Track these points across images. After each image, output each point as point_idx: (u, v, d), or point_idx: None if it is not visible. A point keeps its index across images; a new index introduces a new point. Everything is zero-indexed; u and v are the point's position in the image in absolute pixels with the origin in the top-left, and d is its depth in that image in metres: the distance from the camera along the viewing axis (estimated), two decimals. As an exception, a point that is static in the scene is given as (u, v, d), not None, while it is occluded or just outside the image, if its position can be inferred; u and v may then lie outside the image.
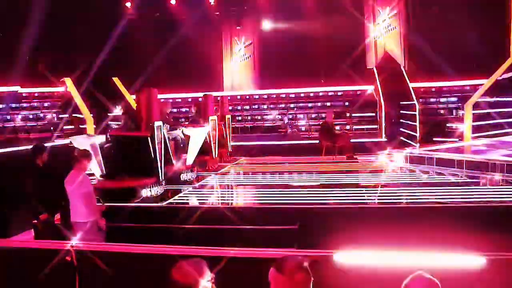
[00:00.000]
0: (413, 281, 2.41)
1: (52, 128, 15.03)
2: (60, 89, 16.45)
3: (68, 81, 15.15)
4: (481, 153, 9.31)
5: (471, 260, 3.81)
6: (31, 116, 16.50)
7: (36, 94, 17.33)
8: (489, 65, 13.67)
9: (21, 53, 15.07)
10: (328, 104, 18.15)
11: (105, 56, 16.52)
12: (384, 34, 18.26)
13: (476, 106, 12.59)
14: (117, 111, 9.22)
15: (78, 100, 14.13)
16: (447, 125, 14.28)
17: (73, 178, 5.70)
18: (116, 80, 17.67)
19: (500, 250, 3.97)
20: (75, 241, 4.66)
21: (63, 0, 16.08)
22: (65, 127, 14.87)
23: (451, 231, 5.57)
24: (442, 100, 16.60)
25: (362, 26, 18.59)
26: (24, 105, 16.99)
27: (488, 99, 13.26)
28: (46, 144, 7.70)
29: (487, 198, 6.89)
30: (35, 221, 6.40)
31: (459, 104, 15.24)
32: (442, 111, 16.03)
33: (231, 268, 3.66)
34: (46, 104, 16.91)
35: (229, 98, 17.16)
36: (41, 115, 16.50)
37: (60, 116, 15.71)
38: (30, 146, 7.09)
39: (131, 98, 16.50)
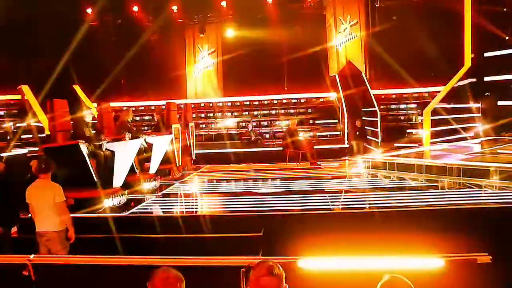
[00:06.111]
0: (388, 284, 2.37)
1: (8, 137, 14.48)
2: (17, 97, 15.89)
3: (26, 88, 14.65)
4: (440, 157, 9.59)
5: (430, 263, 3.90)
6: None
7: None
8: (446, 73, 14.14)
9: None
10: (292, 111, 18.33)
11: (65, 63, 16.09)
12: (346, 42, 18.61)
13: (434, 112, 12.98)
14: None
15: (36, 108, 13.68)
16: (407, 130, 14.65)
17: (47, 187, 5.52)
18: (76, 87, 17.28)
19: (460, 251, 4.09)
20: (32, 255, 4.49)
21: (21, 3, 15.59)
22: (22, 136, 14.36)
23: (413, 234, 5.71)
24: (402, 106, 17.04)
25: (324, 34, 18.89)
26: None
27: (445, 105, 13.69)
28: (2, 154, 7.44)
29: (446, 201, 7.08)
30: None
31: (418, 111, 15.70)
32: (402, 117, 16.46)
33: (196, 278, 3.62)
34: (1, 113, 16.34)
35: (192, 105, 17.09)
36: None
37: (18, 125, 15.17)
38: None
39: (92, 106, 16.15)
